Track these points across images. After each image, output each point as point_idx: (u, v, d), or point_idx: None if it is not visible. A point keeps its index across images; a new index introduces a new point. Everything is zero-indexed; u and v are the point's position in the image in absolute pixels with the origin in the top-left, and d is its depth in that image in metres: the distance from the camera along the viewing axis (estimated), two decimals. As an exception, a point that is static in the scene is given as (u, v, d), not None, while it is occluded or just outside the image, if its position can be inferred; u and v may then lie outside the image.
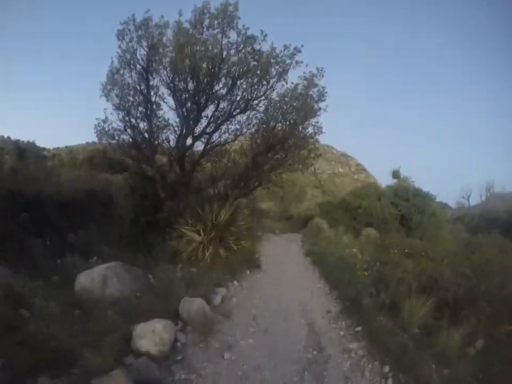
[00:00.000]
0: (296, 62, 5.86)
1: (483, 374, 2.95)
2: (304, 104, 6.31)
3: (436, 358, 2.99)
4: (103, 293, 3.53)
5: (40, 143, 20.07)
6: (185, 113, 6.21)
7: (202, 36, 5.81)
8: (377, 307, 4.30)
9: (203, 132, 6.65)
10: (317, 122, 6.79)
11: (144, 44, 5.99)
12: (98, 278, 3.64)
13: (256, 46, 5.67)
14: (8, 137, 21.56)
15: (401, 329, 3.51)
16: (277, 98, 6.39)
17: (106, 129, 6.48)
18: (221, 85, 6.03)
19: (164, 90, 6.40)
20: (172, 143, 6.84)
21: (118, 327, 2.72)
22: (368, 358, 3.03)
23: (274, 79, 5.97)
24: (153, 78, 6.17)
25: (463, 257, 6.36)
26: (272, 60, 5.71)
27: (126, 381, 2.10)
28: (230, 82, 5.92)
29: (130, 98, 6.28)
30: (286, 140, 6.64)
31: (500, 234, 10.80)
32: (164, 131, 6.51)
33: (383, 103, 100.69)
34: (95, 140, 7.16)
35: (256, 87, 5.97)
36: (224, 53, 5.80)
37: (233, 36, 5.74)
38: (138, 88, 6.15)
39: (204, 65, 5.76)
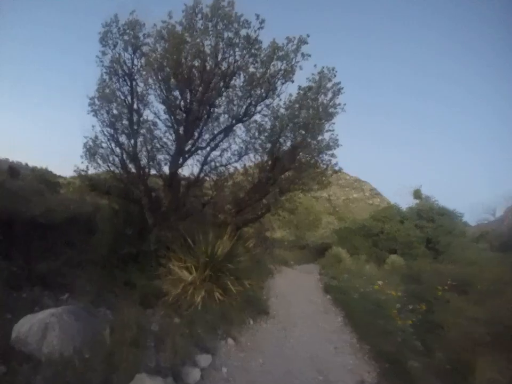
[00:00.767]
0: (303, 55, 4.77)
1: None
2: (316, 112, 5.29)
3: None
4: (40, 349, 2.60)
5: (63, 172, 19.06)
6: (175, 123, 5.25)
7: (195, 39, 4.99)
8: (432, 372, 3.27)
9: (197, 148, 5.67)
10: (333, 130, 5.71)
11: (130, 49, 5.24)
12: (38, 327, 2.70)
13: (252, 34, 4.56)
14: (26, 164, 21.19)
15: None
16: (283, 111, 5.43)
17: (96, 148, 5.54)
18: (214, 86, 5.02)
19: (151, 98, 5.53)
20: (164, 161, 5.88)
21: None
22: None
23: (278, 78, 4.97)
24: (138, 85, 5.32)
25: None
26: (274, 53, 4.65)
27: None
28: (222, 83, 4.94)
29: (115, 111, 5.42)
30: (296, 152, 5.56)
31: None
32: (152, 146, 5.52)
33: (385, 123, 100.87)
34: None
35: (255, 87, 4.98)
36: (220, 56, 4.94)
37: (229, 34, 4.86)
38: (123, 97, 5.29)
39: (197, 65, 4.87)
